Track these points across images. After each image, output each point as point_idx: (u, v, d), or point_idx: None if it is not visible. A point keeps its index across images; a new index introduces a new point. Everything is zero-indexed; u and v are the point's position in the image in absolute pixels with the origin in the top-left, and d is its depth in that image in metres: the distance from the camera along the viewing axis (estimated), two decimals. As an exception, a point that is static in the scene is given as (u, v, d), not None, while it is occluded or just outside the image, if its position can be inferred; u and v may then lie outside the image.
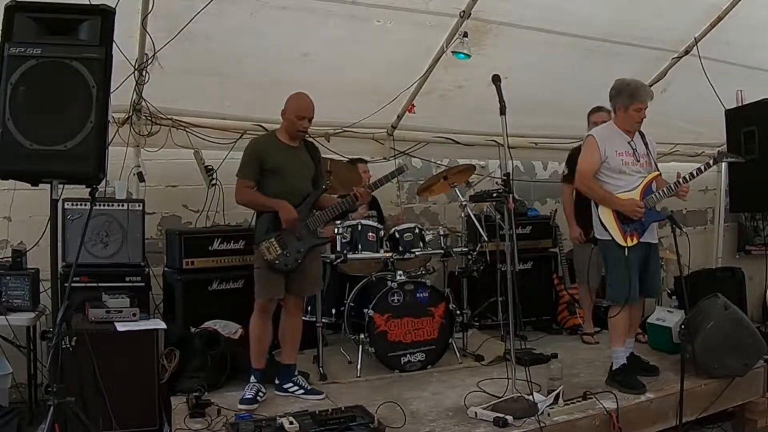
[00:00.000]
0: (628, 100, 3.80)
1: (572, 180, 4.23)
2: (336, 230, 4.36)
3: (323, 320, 4.37)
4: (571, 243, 5.16)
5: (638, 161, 3.85)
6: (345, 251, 4.28)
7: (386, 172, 4.17)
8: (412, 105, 5.17)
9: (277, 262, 3.63)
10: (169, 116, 4.62)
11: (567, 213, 5.06)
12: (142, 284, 4.14)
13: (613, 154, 3.81)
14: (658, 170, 3.93)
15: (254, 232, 3.74)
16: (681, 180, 3.82)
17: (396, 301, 4.29)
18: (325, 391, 3.86)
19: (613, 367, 3.90)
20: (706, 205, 7.30)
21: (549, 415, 3.35)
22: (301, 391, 3.73)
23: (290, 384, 3.76)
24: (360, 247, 4.33)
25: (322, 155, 4.26)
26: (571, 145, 5.37)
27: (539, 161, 6.57)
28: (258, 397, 3.65)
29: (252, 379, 3.73)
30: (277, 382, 3.80)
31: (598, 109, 4.75)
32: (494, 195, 4.39)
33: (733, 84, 5.12)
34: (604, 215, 3.82)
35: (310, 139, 4.10)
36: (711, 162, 3.92)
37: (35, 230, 3.46)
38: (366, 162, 5.18)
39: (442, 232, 4.64)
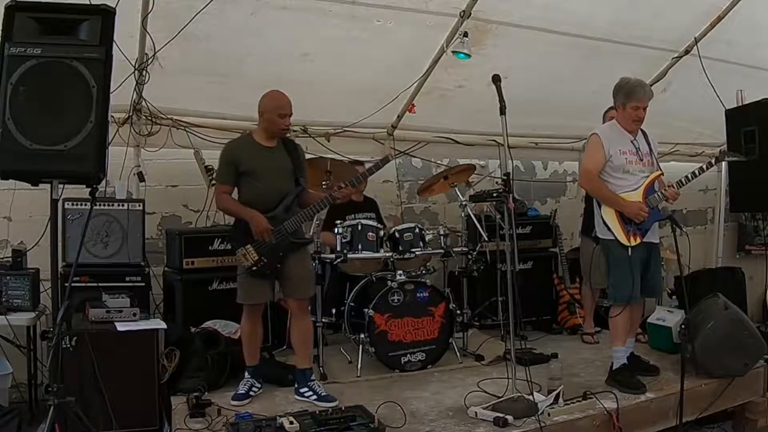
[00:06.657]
0: (625, 98, 3.80)
1: None
2: (336, 230, 4.35)
3: (323, 320, 4.36)
4: (572, 243, 5.12)
5: (641, 160, 3.85)
6: (345, 251, 4.28)
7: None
8: (412, 105, 5.17)
9: (254, 268, 3.58)
10: (169, 116, 4.62)
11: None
12: (142, 284, 4.14)
13: (617, 153, 3.81)
14: (661, 170, 3.93)
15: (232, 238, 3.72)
16: (675, 184, 3.83)
17: (396, 300, 4.28)
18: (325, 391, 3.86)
19: (613, 367, 3.90)
20: (706, 205, 7.29)
21: (549, 414, 3.35)
22: (315, 397, 3.71)
23: (306, 389, 3.75)
24: (360, 246, 4.33)
25: (323, 155, 4.24)
26: (572, 145, 5.36)
27: (539, 161, 6.55)
28: (251, 392, 3.71)
29: (246, 375, 3.79)
30: (295, 386, 3.81)
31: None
32: (494, 195, 4.40)
33: (733, 84, 5.11)
34: (607, 215, 3.81)
35: (290, 137, 4.02)
36: (713, 161, 3.92)
37: (35, 230, 3.45)
38: (363, 164, 5.16)
39: (442, 232, 4.63)
